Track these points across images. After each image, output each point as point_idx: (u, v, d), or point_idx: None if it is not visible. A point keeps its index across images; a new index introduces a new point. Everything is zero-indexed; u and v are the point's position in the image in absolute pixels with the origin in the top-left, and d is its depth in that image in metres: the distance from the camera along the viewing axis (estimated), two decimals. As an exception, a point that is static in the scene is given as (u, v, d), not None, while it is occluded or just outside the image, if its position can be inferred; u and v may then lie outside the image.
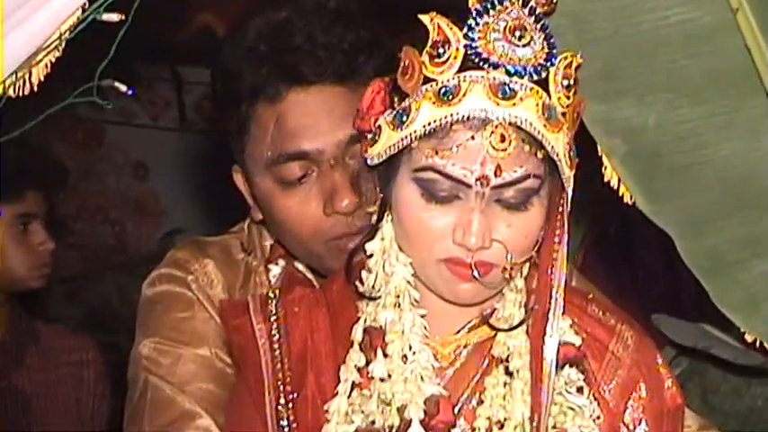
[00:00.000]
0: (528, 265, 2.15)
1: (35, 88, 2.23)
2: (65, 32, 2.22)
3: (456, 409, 2.14)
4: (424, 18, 2.01)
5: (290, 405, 2.19)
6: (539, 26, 2.03)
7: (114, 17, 2.23)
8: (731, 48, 2.30)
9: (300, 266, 2.48)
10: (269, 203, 2.43)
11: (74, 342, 4.00)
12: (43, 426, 3.63)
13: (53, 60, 2.25)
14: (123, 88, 2.34)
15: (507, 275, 2.08)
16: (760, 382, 2.57)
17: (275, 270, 2.46)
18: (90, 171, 5.75)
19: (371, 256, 2.17)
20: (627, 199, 2.42)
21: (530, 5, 2.03)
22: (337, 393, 2.15)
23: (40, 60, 2.22)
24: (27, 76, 2.22)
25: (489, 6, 2.02)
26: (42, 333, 3.89)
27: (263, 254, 2.53)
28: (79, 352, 3.93)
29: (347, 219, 2.37)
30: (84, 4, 2.18)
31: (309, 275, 2.45)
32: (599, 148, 2.39)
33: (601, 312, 2.28)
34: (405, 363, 2.11)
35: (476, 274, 2.04)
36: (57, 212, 4.29)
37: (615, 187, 2.43)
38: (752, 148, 2.38)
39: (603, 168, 2.41)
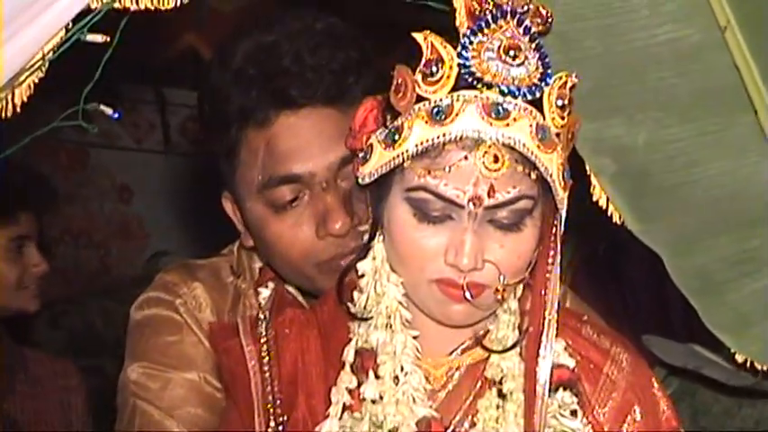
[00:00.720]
0: (521, 286, 2.14)
1: (18, 109, 2.18)
2: (48, 53, 2.20)
3: None
4: (418, 36, 2.00)
5: (281, 428, 2.17)
6: (533, 45, 2.02)
7: (99, 38, 2.23)
8: (720, 66, 2.28)
9: (291, 288, 2.46)
10: (260, 228, 2.42)
11: (59, 368, 3.91)
12: None
13: (36, 81, 2.19)
14: (109, 111, 2.32)
15: (500, 297, 2.06)
16: (751, 404, 2.57)
17: (265, 293, 2.42)
18: (74, 194, 5.72)
19: (363, 276, 2.15)
20: (616, 219, 2.38)
21: (525, 25, 2.02)
22: (328, 416, 2.12)
23: (23, 81, 2.19)
24: (10, 97, 2.17)
25: (483, 25, 2.01)
26: (30, 360, 3.79)
27: (252, 277, 2.51)
28: (65, 378, 3.83)
29: (340, 241, 2.35)
30: (68, 24, 2.16)
31: (300, 298, 2.43)
32: (587, 167, 2.35)
33: (595, 334, 2.26)
34: (396, 384, 2.09)
35: (468, 295, 2.02)
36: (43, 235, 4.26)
37: (604, 207, 2.39)
38: (741, 167, 2.37)
39: (592, 188, 2.37)
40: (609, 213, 2.41)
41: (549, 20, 2.07)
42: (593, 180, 2.37)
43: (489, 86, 1.97)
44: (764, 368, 2.45)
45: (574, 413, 2.13)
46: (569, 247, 2.51)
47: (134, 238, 5.83)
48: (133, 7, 2.20)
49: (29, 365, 3.75)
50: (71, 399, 3.82)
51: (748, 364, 2.41)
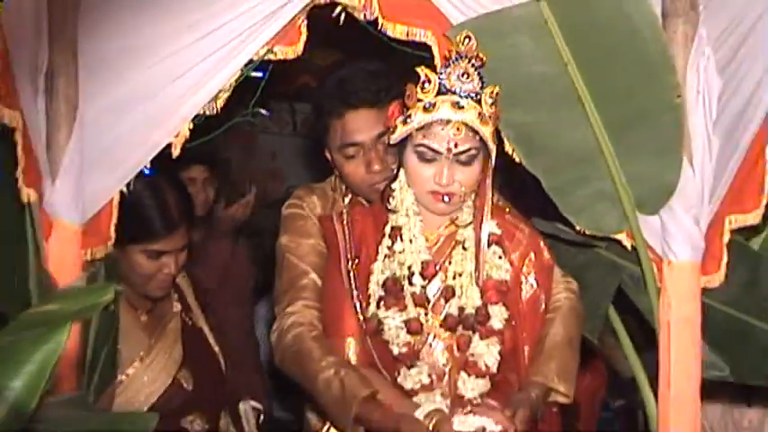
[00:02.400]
0: (473, 194, 2.10)
1: (218, 111, 2.20)
2: (232, 83, 2.19)
3: (437, 267, 2.11)
4: (419, 69, 1.99)
5: (354, 266, 2.14)
6: (477, 72, 1.98)
7: (258, 74, 2.24)
8: (566, 84, 2.15)
9: (360, 198, 2.38)
10: (340, 167, 2.34)
11: (229, 244, 3.53)
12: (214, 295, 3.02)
13: (227, 96, 2.20)
14: (264, 112, 2.39)
15: (462, 199, 2.06)
16: (584, 252, 2.47)
17: (347, 200, 2.37)
18: (249, 158, 5.52)
19: (394, 190, 2.11)
20: (518, 160, 2.30)
21: (472, 62, 1.98)
22: (377, 260, 2.11)
23: (220, 98, 2.18)
24: (213, 105, 2.18)
25: (451, 62, 1.98)
26: (212, 243, 3.41)
27: (342, 192, 2.41)
28: (232, 247, 3.50)
29: (378, 175, 2.28)
30: (242, 67, 2.16)
31: (364, 202, 2.35)
32: (503, 135, 2.26)
33: (513, 218, 2.23)
34: (411, 243, 2.08)
35: (446, 199, 2.02)
36: (225, 182, 3.94)
37: (512, 155, 2.30)
38: (576, 132, 2.21)
39: (506, 146, 2.27)
40: (515, 158, 2.30)
41: (484, 60, 2.01)
42: (506, 141, 2.27)
43: (454, 93, 1.96)
44: (594, 234, 2.35)
45: (500, 257, 2.12)
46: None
47: (278, 179, 5.57)
48: (273, 58, 2.19)
49: (210, 249, 3.36)
50: (233, 261, 3.48)
51: (584, 231, 2.33)
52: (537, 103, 2.21)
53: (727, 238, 2.17)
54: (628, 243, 2.24)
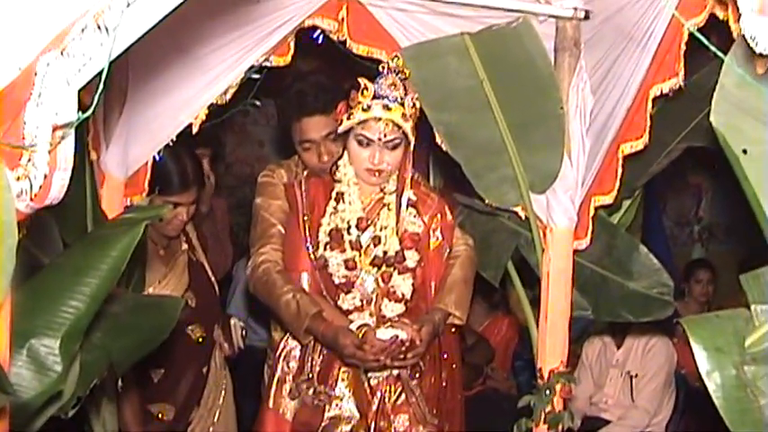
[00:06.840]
0: (398, 171, 2.40)
1: (226, 102, 2.50)
2: (238, 81, 2.47)
3: (368, 222, 2.41)
4: (360, 80, 2.29)
5: (308, 220, 2.42)
6: (403, 83, 2.29)
7: (256, 75, 2.51)
8: (481, 95, 2.43)
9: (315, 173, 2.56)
10: (299, 155, 2.61)
11: (220, 202, 3.51)
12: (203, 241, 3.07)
13: (233, 92, 2.48)
14: (258, 103, 2.71)
15: (389, 174, 2.38)
16: (492, 220, 2.74)
17: (305, 173, 2.58)
18: (241, 144, 5.58)
19: (339, 166, 2.41)
20: (446, 149, 2.57)
21: (399, 75, 2.29)
22: (325, 216, 2.42)
23: (227, 91, 2.48)
24: (222, 98, 2.49)
25: (384, 74, 2.29)
26: (214, 202, 3.40)
27: (301, 167, 2.63)
28: (220, 209, 3.51)
29: (326, 163, 2.52)
30: (246, 71, 2.44)
31: (319, 175, 2.54)
32: (435, 131, 2.55)
33: (425, 189, 2.52)
34: (350, 205, 2.40)
35: (377, 174, 2.35)
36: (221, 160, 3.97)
37: (441, 144, 2.57)
38: (488, 131, 2.47)
39: (438, 139, 2.56)
40: (444, 148, 2.56)
41: (408, 73, 2.31)
42: (437, 135, 2.55)
43: (385, 98, 2.26)
44: (499, 207, 2.63)
45: (415, 216, 2.43)
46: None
47: (263, 164, 4.56)
48: (268, 64, 2.48)
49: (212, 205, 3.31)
50: (222, 219, 3.48)
51: (492, 205, 2.61)
52: (460, 108, 2.49)
53: (592, 212, 2.56)
54: (523, 214, 2.56)
